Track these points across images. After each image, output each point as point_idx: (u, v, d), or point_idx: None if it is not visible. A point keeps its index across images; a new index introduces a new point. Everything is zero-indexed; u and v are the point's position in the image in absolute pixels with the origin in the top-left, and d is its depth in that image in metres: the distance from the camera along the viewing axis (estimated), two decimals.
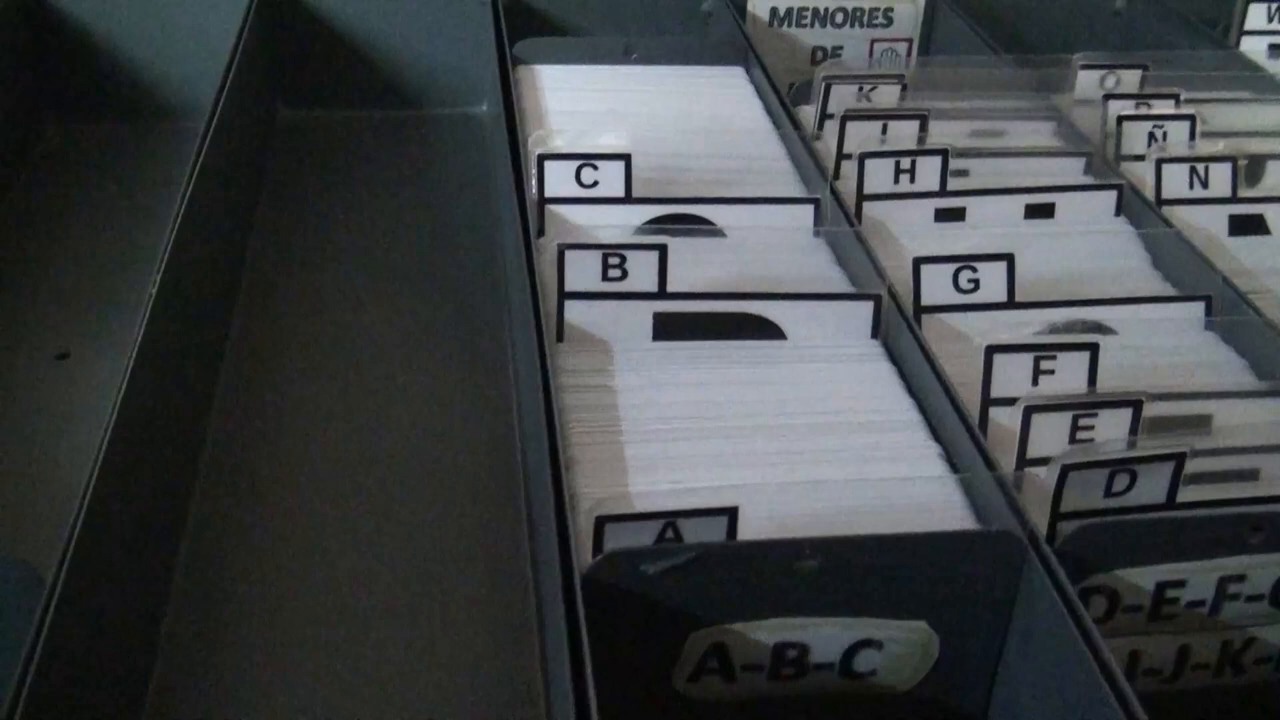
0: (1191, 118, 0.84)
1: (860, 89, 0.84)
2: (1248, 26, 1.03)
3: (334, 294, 0.89)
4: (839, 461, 0.59)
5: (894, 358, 0.66)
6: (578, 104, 0.91)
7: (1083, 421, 0.56)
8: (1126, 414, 0.57)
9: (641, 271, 0.66)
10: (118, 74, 1.07)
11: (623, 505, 0.52)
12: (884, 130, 0.80)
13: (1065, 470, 0.52)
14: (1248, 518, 0.53)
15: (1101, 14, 1.17)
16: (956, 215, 0.78)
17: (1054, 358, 0.60)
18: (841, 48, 1.10)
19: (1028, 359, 0.60)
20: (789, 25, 1.09)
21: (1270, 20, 1.03)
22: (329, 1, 1.10)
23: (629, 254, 0.65)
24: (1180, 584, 0.54)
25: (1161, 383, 0.65)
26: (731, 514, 0.50)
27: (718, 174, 0.83)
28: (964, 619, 0.53)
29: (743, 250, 0.74)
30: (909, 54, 1.11)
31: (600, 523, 0.49)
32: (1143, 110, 0.86)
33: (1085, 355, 0.60)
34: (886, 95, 0.85)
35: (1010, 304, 0.69)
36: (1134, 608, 0.54)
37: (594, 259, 0.65)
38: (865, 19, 1.09)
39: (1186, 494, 0.56)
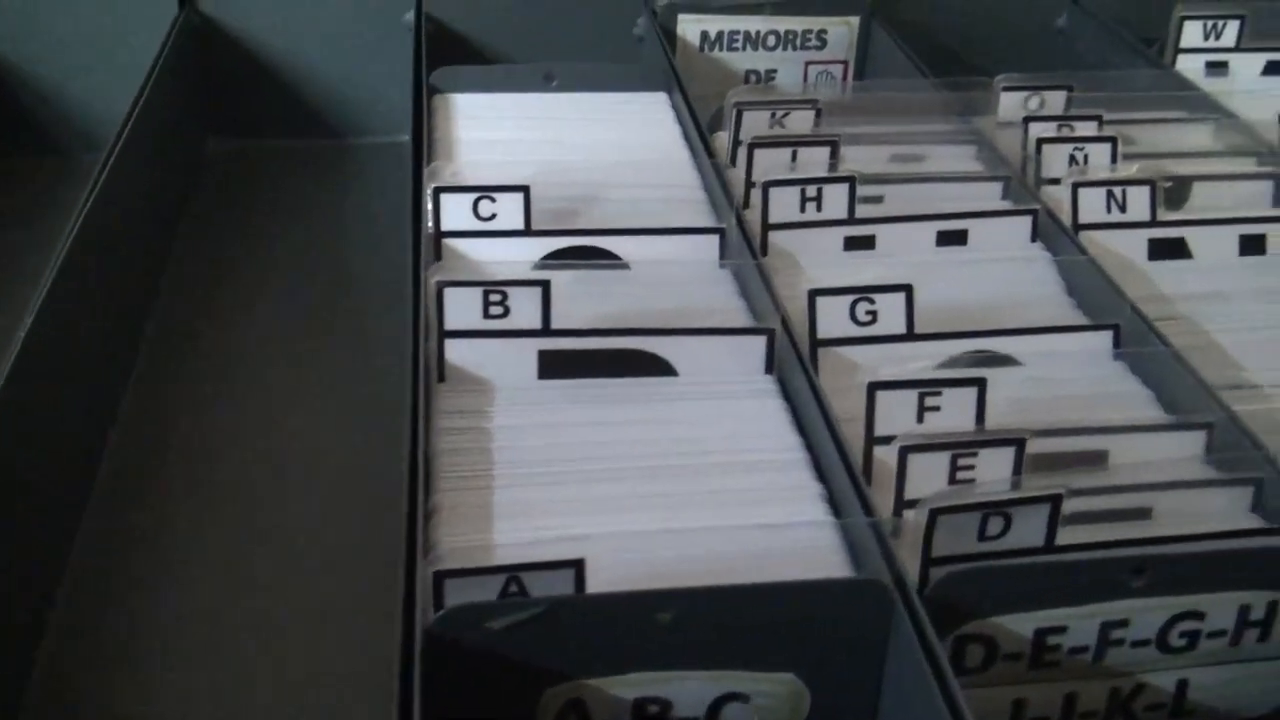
0: (1113, 139, 0.82)
1: (773, 115, 0.82)
2: (1183, 44, 1.01)
3: (241, 330, 0.88)
4: (718, 504, 0.57)
5: (787, 394, 0.64)
6: (493, 133, 0.89)
7: (962, 461, 0.54)
8: (1009, 453, 0.55)
9: (524, 308, 0.64)
10: (36, 108, 1.06)
11: (475, 557, 0.50)
12: (794, 157, 0.78)
13: (934, 514, 0.50)
14: (1129, 560, 0.51)
15: (1046, 32, 1.15)
16: (866, 244, 0.76)
17: (939, 394, 0.58)
18: (775, 71, 1.09)
19: (912, 395, 0.58)
20: (720, 49, 1.07)
21: (1206, 38, 1.01)
22: (257, 30, 1.08)
23: (511, 290, 0.63)
24: (1061, 630, 0.52)
25: (1064, 416, 0.63)
26: (578, 566, 0.48)
27: (631, 204, 0.81)
28: (835, 671, 0.51)
29: (645, 283, 0.72)
30: (845, 77, 1.09)
31: (439, 578, 0.47)
32: (1065, 132, 0.84)
33: (972, 391, 0.58)
34: (800, 121, 0.83)
35: (910, 336, 0.67)
36: (1013, 655, 0.52)
37: (474, 296, 0.63)
38: (798, 42, 1.08)
39: (1075, 534, 0.54)
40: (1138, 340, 0.68)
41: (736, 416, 0.63)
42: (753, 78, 1.08)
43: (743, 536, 0.54)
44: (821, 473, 0.59)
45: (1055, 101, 0.88)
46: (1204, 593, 0.52)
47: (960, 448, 0.54)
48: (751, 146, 0.78)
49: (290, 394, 0.82)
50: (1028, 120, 0.84)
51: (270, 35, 1.08)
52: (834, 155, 0.79)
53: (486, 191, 0.74)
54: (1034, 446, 0.59)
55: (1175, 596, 0.52)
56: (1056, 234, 0.77)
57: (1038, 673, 0.52)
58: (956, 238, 0.77)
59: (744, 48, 1.07)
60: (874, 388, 0.57)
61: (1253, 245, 0.79)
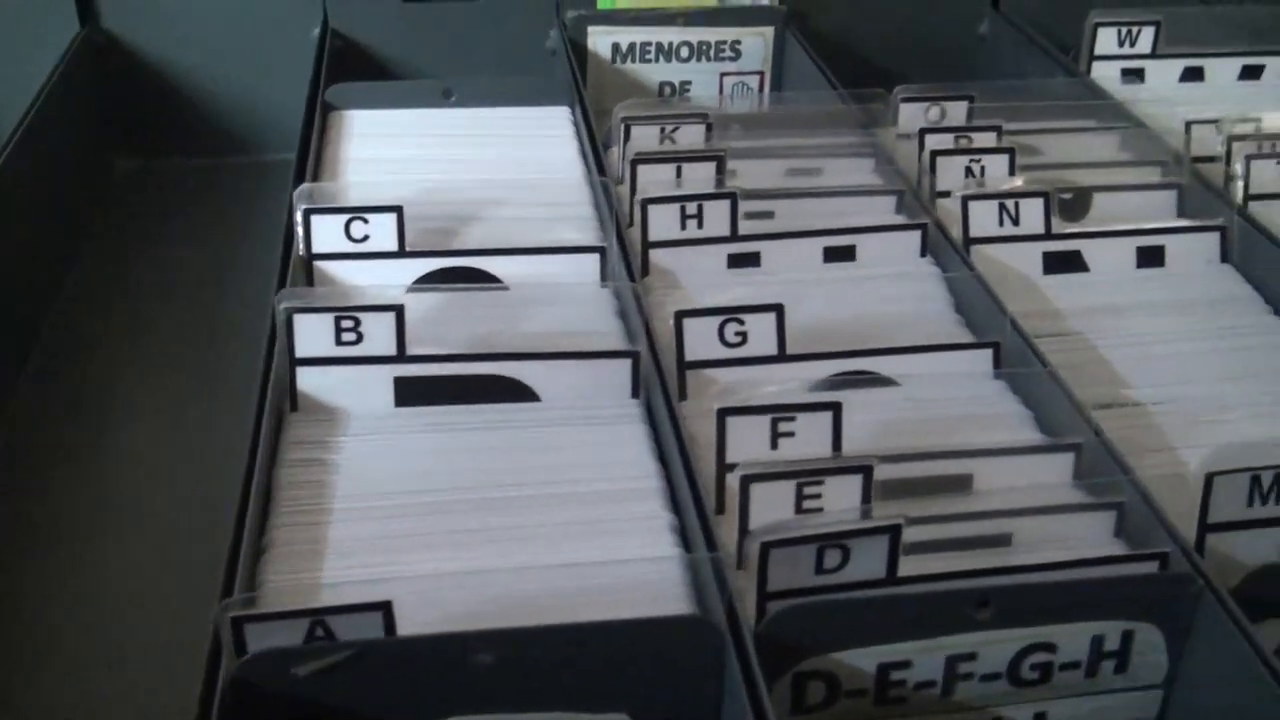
0: (1010, 150, 0.81)
1: (662, 130, 0.81)
2: (1098, 51, 0.99)
3: (122, 356, 0.86)
4: (567, 537, 0.55)
5: (653, 420, 0.63)
6: (385, 151, 0.88)
7: (808, 490, 0.52)
8: (857, 481, 0.53)
9: (378, 334, 0.62)
10: None
11: (300, 596, 0.48)
12: (678, 173, 0.77)
13: (766, 548, 0.48)
14: (973, 593, 0.50)
15: (969, 40, 1.14)
16: (751, 261, 0.74)
17: (793, 419, 0.56)
18: (690, 83, 1.07)
19: (763, 422, 0.56)
20: (632, 61, 1.05)
21: (1121, 44, 0.99)
22: (163, 47, 1.06)
23: (363, 315, 0.62)
24: (905, 665, 0.50)
25: (936, 439, 0.61)
26: (386, 609, 0.46)
27: (518, 223, 0.79)
28: (669, 712, 0.49)
29: (521, 305, 0.71)
30: (761, 88, 1.08)
31: (237, 623, 0.45)
32: (962, 144, 0.82)
33: (827, 416, 0.56)
34: (690, 135, 0.81)
35: (782, 357, 0.65)
36: (857, 692, 0.50)
37: (325, 322, 0.61)
38: (712, 53, 1.06)
39: (929, 564, 0.52)
40: (1018, 359, 0.66)
41: (597, 444, 0.61)
42: (667, 90, 1.07)
43: (583, 573, 0.52)
44: (677, 503, 0.57)
45: (956, 113, 0.86)
46: (1054, 624, 0.50)
47: (805, 476, 0.52)
48: (634, 163, 0.76)
49: (152, 424, 0.80)
50: (923, 132, 0.82)
51: (177, 52, 1.06)
52: (720, 171, 0.77)
53: (358, 212, 0.72)
54: (897, 471, 0.57)
55: (1024, 628, 0.50)
56: (947, 249, 0.75)
57: (884, 709, 0.51)
58: (844, 254, 0.75)
59: (657, 59, 1.05)
60: (724, 414, 0.55)
61: (1151, 257, 0.78)
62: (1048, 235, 0.77)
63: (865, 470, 0.53)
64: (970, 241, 0.76)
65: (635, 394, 0.64)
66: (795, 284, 0.73)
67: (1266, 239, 0.76)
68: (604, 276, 0.73)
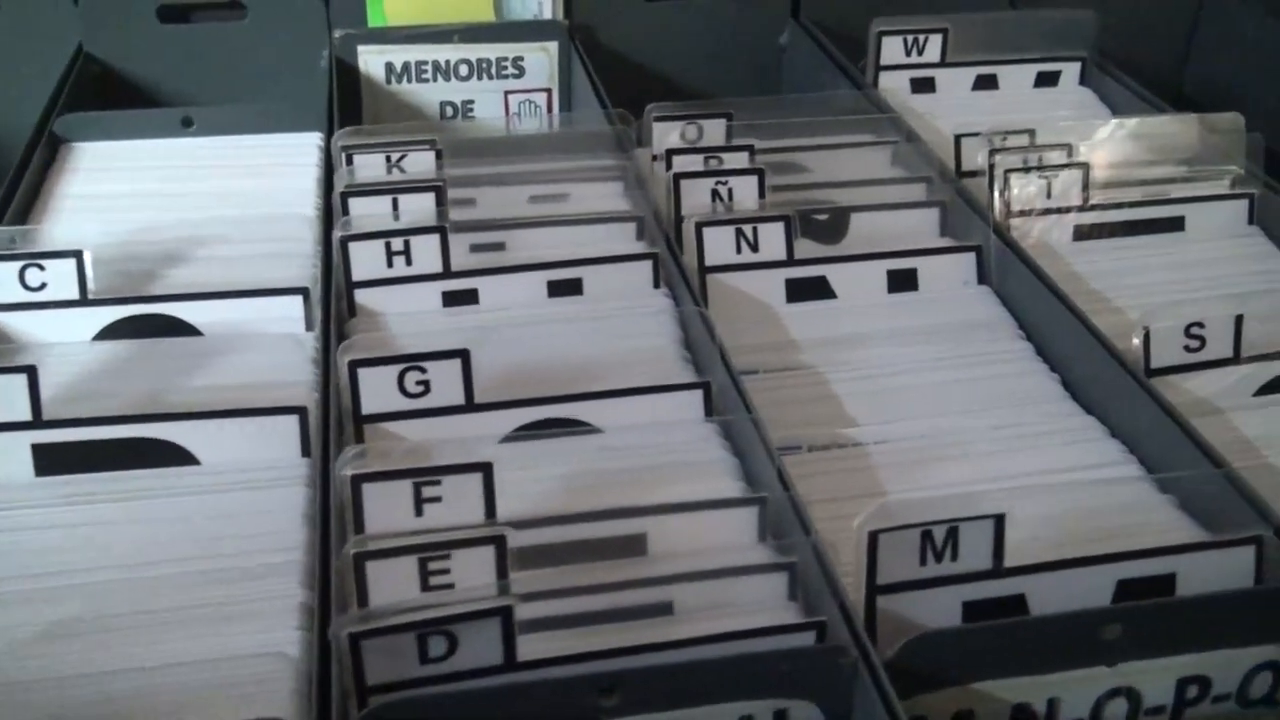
0: (760, 172, 0.76)
1: (389, 158, 0.76)
2: (885, 61, 0.96)
3: None
4: (189, 622, 0.50)
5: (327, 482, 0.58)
6: (110, 186, 0.82)
7: (434, 566, 0.48)
8: (489, 553, 0.48)
9: (11, 398, 0.57)
10: None
11: None
12: (395, 205, 0.72)
13: (354, 640, 0.43)
14: (600, 677, 0.45)
15: (769, 51, 1.09)
16: (469, 299, 0.70)
17: (438, 483, 0.51)
18: (473, 103, 1.02)
19: (405, 487, 0.51)
20: (409, 81, 1.00)
21: (908, 53, 0.96)
22: None
23: None
24: None
25: (636, 491, 0.56)
26: None
27: (236, 262, 0.73)
28: None
29: (211, 355, 0.66)
30: (550, 106, 1.03)
31: None
32: (712, 165, 0.78)
33: (477, 478, 0.51)
34: (418, 163, 0.76)
35: (470, 407, 0.60)
36: None
37: None
38: (494, 70, 1.01)
39: (570, 642, 0.48)
40: (733, 401, 0.61)
41: (253, 511, 0.56)
42: (449, 110, 1.02)
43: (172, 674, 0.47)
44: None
45: (714, 131, 0.82)
46: (692, 707, 0.46)
47: (428, 551, 0.47)
48: (344, 196, 0.71)
49: None
50: (670, 153, 0.78)
51: None
52: (441, 201, 0.72)
53: (34, 259, 0.67)
54: (563, 534, 0.53)
55: (658, 713, 0.45)
56: (680, 280, 0.70)
57: None
58: (570, 287, 0.70)
59: (435, 79, 1.00)
60: (358, 481, 0.50)
61: (903, 281, 0.74)
62: (790, 261, 0.72)
63: (498, 541, 0.48)
64: (707, 270, 0.72)
65: (306, 453, 0.59)
66: (515, 322, 0.69)
67: (1019, 259, 0.72)
68: (308, 321, 0.68)
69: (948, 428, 0.63)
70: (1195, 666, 0.49)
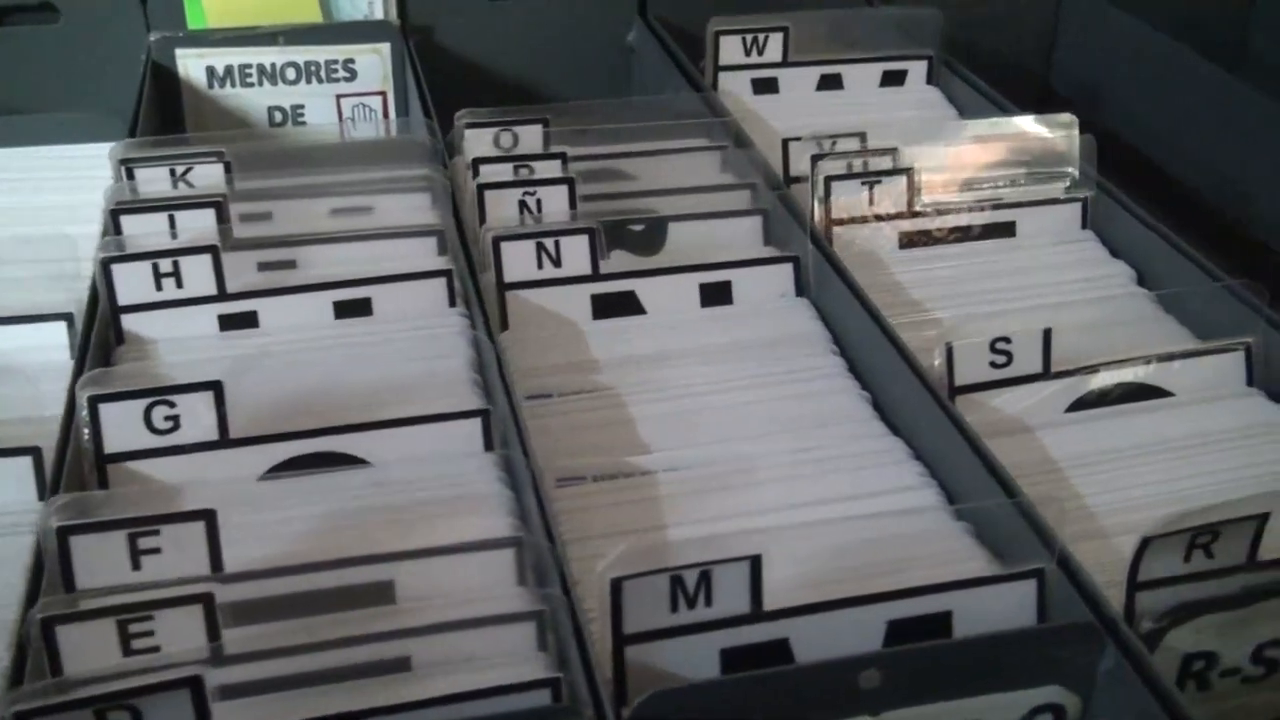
0: (570, 181, 0.73)
1: (173, 172, 0.71)
2: (723, 61, 0.92)
3: None
4: None
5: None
6: None
7: (135, 629, 0.44)
8: (197, 613, 0.44)
9: None
10: None
11: None
12: (172, 223, 0.67)
13: (21, 718, 0.39)
14: None
15: (617, 52, 1.06)
16: (248, 321, 0.65)
17: (157, 532, 0.47)
18: (303, 107, 0.97)
19: (119, 539, 0.47)
20: (232, 86, 0.96)
21: (748, 53, 0.92)
22: None
23: None
24: None
25: (396, 534, 0.53)
26: None
27: (6, 284, 0.69)
28: None
29: None
30: (385, 110, 0.99)
31: None
32: (523, 174, 0.74)
33: (199, 526, 0.47)
34: (206, 176, 0.72)
35: (224, 442, 0.56)
36: None
37: None
38: (323, 73, 0.96)
39: (291, 706, 0.44)
40: (507, 432, 0.58)
41: None
42: (278, 116, 0.97)
43: None
44: None
45: (530, 138, 0.78)
46: None
47: (126, 613, 0.43)
48: (114, 213, 0.67)
49: None
50: (477, 163, 0.74)
51: None
52: (223, 218, 0.68)
53: None
54: (308, 582, 0.49)
55: None
56: (475, 299, 0.67)
57: None
58: (359, 308, 0.67)
59: (261, 83, 0.96)
60: (64, 533, 0.46)
61: (716, 295, 0.70)
62: (595, 276, 0.69)
63: (205, 599, 0.44)
64: (506, 287, 0.68)
65: (43, 497, 0.54)
66: (296, 347, 0.65)
67: (834, 270, 0.69)
68: (72, 349, 0.63)
69: (745, 452, 0.60)
70: (968, 712, 0.47)
